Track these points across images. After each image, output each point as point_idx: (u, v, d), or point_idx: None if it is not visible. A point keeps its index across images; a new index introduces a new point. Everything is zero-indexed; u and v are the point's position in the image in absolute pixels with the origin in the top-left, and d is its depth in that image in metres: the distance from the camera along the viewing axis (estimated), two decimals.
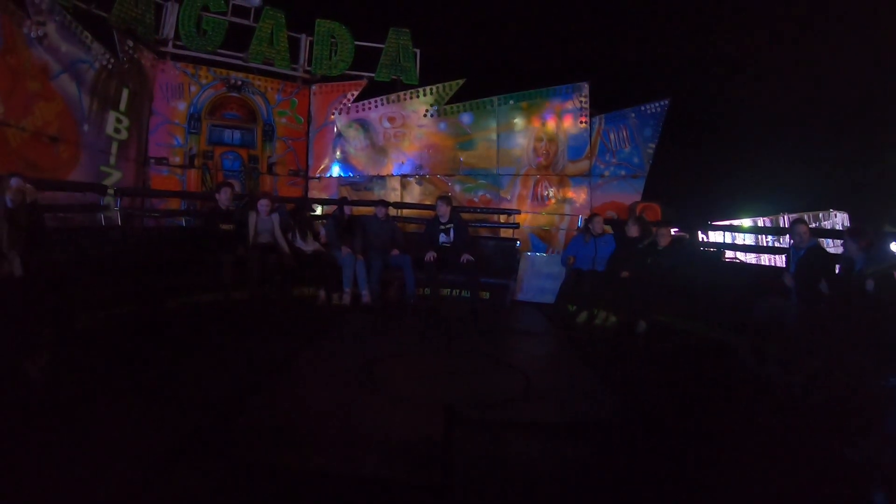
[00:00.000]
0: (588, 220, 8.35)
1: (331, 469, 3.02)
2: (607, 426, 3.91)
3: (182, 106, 12.21)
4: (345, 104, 13.58)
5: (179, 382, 4.35)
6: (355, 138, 13.69)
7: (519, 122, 13.86)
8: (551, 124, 13.75)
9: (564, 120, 13.74)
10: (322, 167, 13.73)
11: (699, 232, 13.67)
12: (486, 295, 8.56)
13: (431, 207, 9.27)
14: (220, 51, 12.54)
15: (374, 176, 13.73)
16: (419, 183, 13.73)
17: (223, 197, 7.92)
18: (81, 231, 7.60)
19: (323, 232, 8.26)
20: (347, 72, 13.60)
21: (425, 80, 13.95)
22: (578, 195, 13.71)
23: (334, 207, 9.13)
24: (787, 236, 7.11)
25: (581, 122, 13.58)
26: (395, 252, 8.16)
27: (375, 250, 8.07)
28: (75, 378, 4.36)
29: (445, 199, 8.61)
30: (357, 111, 13.63)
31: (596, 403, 4.44)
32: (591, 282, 7.67)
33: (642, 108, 13.66)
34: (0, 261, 5.03)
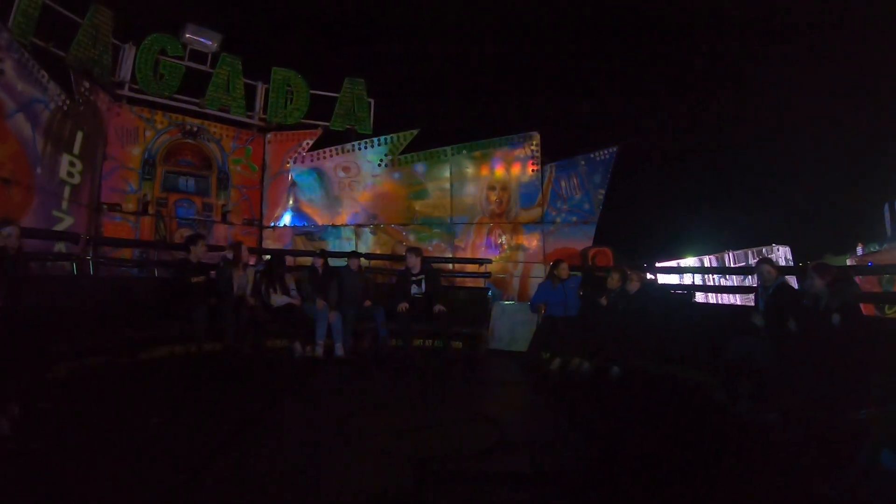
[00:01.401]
0: (554, 266, 8.57)
1: None
2: (583, 475, 3.93)
3: (136, 151, 12.22)
4: (300, 153, 13.88)
5: (150, 437, 4.34)
6: (310, 187, 13.99)
7: (472, 171, 14.43)
8: (504, 173, 14.39)
9: (516, 168, 14.41)
10: (276, 216, 13.88)
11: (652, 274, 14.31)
12: (459, 345, 8.80)
13: (402, 259, 9.57)
14: (176, 96, 12.69)
15: (328, 225, 13.96)
16: (373, 232, 14.01)
17: (199, 250, 8.02)
18: (54, 279, 7.60)
19: (292, 287, 8.40)
20: (303, 120, 13.96)
21: (379, 129, 14.43)
22: (531, 242, 14.26)
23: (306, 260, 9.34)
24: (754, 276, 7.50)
25: (532, 170, 14.25)
26: (368, 303, 8.37)
27: (348, 302, 8.27)
28: (45, 430, 4.35)
29: (415, 250, 8.88)
30: (312, 160, 13.94)
31: (571, 452, 4.49)
32: (564, 328, 7.81)
33: (591, 155, 14.41)
34: None
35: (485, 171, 14.45)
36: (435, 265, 9.93)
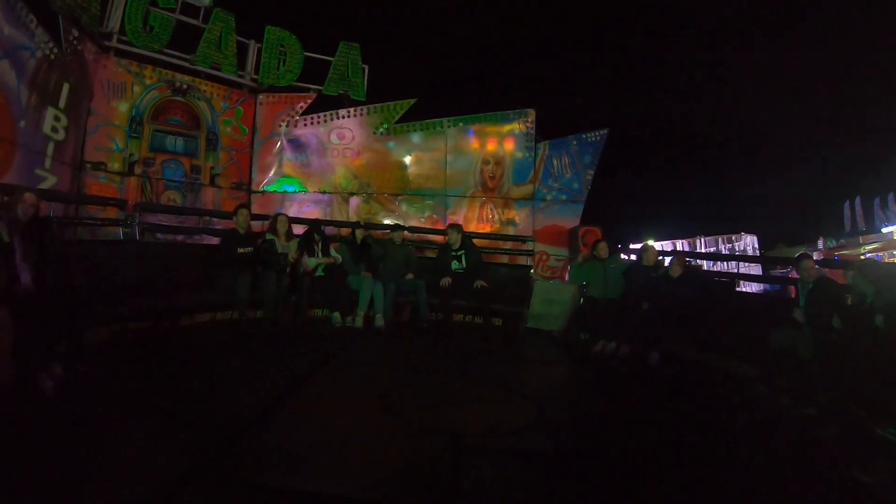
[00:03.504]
0: (594, 246, 8.74)
1: (339, 495, 3.10)
2: (617, 459, 3.97)
3: (123, 107, 11.71)
4: (292, 116, 13.64)
5: (192, 402, 4.44)
6: (302, 153, 13.82)
7: (467, 144, 14.51)
8: (498, 148, 14.55)
9: (511, 144, 14.60)
10: (266, 181, 13.62)
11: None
12: (498, 322, 8.95)
13: (443, 233, 9.65)
14: (166, 50, 12.18)
15: (319, 192, 13.83)
16: (366, 201, 13.97)
17: (241, 220, 7.96)
18: (98, 245, 7.43)
19: (334, 254, 8.39)
20: (295, 83, 13.67)
21: (372, 97, 14.31)
22: (521, 218, 14.54)
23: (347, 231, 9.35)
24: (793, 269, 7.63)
25: (527, 147, 14.50)
26: (410, 276, 8.45)
27: (390, 274, 8.33)
28: (88, 394, 4.46)
29: (456, 226, 8.97)
30: (305, 125, 13.72)
31: (607, 435, 4.51)
32: (605, 310, 7.99)
33: (583, 136, 14.76)
34: (14, 275, 5.00)
35: (479, 145, 14.56)
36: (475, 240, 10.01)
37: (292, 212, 12.64)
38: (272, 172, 13.72)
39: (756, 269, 23.50)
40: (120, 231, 8.53)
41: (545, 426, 4.55)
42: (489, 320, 8.69)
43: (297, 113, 13.68)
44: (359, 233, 8.76)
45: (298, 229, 8.64)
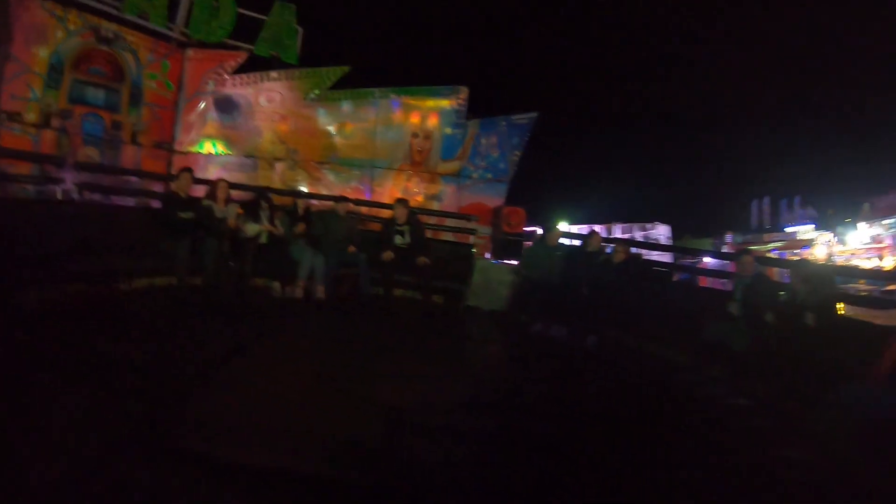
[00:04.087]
0: (545, 232, 9.12)
1: (273, 465, 3.13)
2: (548, 438, 4.08)
3: (44, 53, 11.24)
4: (221, 75, 13.41)
5: (126, 369, 4.36)
6: (229, 114, 13.65)
7: (398, 116, 14.76)
8: (429, 122, 14.88)
9: (441, 120, 14.95)
10: (189, 141, 13.38)
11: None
12: (439, 299, 9.22)
13: (389, 207, 9.83)
14: None
15: (244, 156, 13.75)
16: (291, 168, 14.00)
17: (184, 183, 7.90)
18: (34, 203, 7.27)
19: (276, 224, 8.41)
20: (226, 40, 13.46)
21: (305, 62, 14.30)
22: (447, 194, 14.98)
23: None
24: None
25: (457, 124, 14.91)
26: (352, 249, 8.57)
27: (332, 246, 8.47)
28: (16, 358, 4.33)
29: (403, 201, 9.17)
30: (234, 85, 13.54)
31: (540, 416, 4.62)
32: (546, 293, 8.27)
33: (513, 117, 15.33)
34: None
35: (411, 119, 14.84)
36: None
37: (214, 175, 12.57)
38: (196, 132, 13.49)
39: (667, 258, 24.75)
40: (52, 190, 8.26)
41: (480, 404, 4.69)
42: (430, 297, 8.96)
43: (226, 72, 13.47)
44: (300, 203, 8.85)
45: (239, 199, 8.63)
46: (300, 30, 14.19)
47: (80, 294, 6.51)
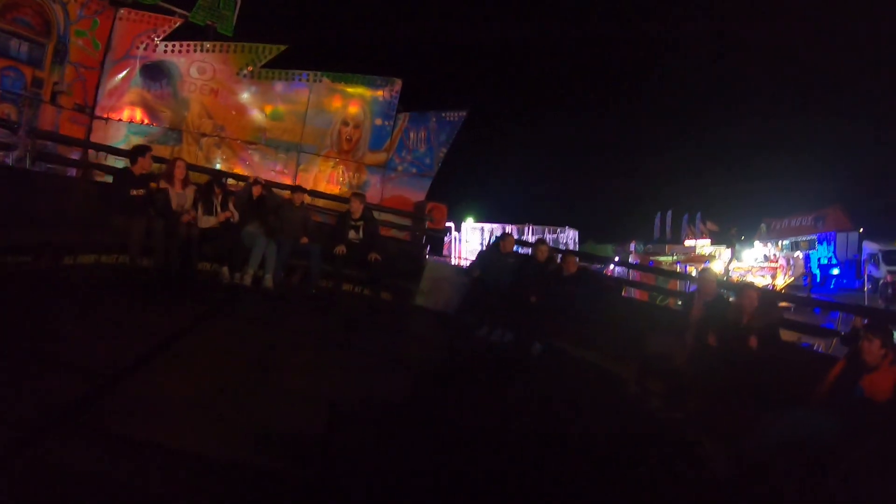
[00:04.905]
0: (501, 238, 9.48)
1: (207, 452, 3.22)
2: (482, 441, 4.32)
3: None
4: (152, 39, 13.11)
5: (65, 345, 4.44)
6: (157, 82, 13.37)
7: (330, 102, 14.92)
8: (360, 111, 15.12)
9: (373, 110, 15.22)
10: (111, 107, 12.99)
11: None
12: (388, 296, 9.48)
13: (345, 201, 10.02)
14: None
15: (169, 129, 13.52)
16: (217, 146, 13.94)
17: (146, 162, 7.88)
18: None
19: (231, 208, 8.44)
20: (161, 3, 13.22)
21: (240, 35, 14.24)
22: (371, 185, 15.27)
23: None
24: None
25: (388, 116, 15.26)
26: (305, 240, 8.75)
27: (285, 235, 8.65)
28: None
29: (360, 196, 9.41)
30: (165, 51, 13.26)
31: (475, 417, 4.87)
32: (495, 298, 8.51)
33: (443, 114, 15.82)
34: None
35: (342, 106, 15.03)
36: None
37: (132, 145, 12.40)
38: (119, 98, 13.12)
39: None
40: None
41: (418, 401, 4.98)
42: (378, 293, 9.23)
43: (158, 37, 13.17)
44: (254, 189, 8.96)
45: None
46: (238, 1, 14.11)
47: (23, 265, 6.50)
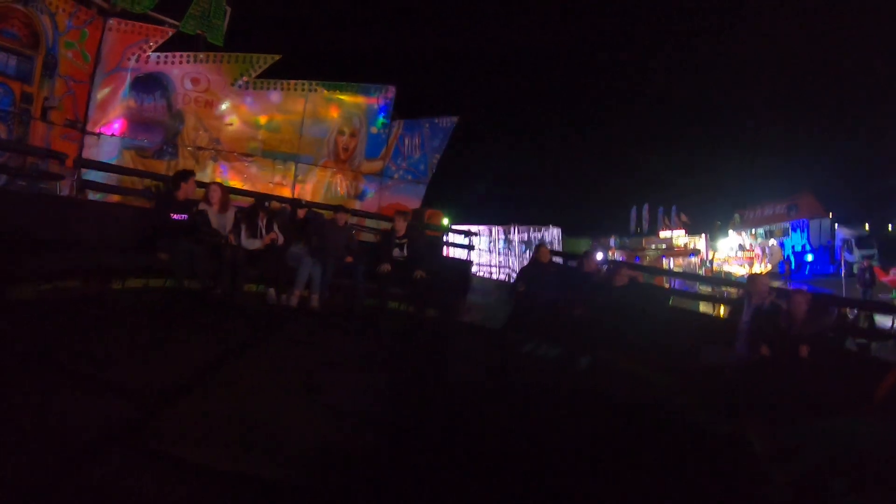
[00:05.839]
0: (536, 250, 9.26)
1: (252, 473, 3.22)
2: (528, 460, 4.19)
3: None
4: (144, 51, 12.55)
5: (115, 368, 4.41)
6: (150, 95, 12.82)
7: (326, 111, 14.61)
8: (356, 120, 14.86)
9: (368, 118, 14.99)
10: (104, 121, 12.37)
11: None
12: (433, 312, 9.25)
13: (390, 220, 9.75)
14: None
15: (164, 143, 13.00)
16: (214, 158, 13.48)
17: (189, 187, 7.60)
18: (33, 198, 6.75)
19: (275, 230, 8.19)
20: (151, 13, 12.66)
21: (231, 45, 13.86)
22: (369, 193, 15.05)
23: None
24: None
25: (383, 123, 15.06)
26: (349, 259, 8.53)
27: (330, 255, 8.39)
28: (5, 352, 4.38)
29: (403, 214, 9.16)
30: (157, 62, 12.74)
31: (522, 438, 4.67)
32: (540, 312, 8.32)
33: (436, 120, 15.72)
34: None
35: (337, 115, 14.75)
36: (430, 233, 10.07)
37: (129, 162, 12.01)
38: (110, 112, 12.52)
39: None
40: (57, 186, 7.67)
41: (466, 421, 4.80)
42: (424, 310, 9.02)
43: (150, 48, 12.62)
44: (299, 211, 8.71)
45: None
46: (229, 10, 13.66)
47: (73, 290, 6.45)
